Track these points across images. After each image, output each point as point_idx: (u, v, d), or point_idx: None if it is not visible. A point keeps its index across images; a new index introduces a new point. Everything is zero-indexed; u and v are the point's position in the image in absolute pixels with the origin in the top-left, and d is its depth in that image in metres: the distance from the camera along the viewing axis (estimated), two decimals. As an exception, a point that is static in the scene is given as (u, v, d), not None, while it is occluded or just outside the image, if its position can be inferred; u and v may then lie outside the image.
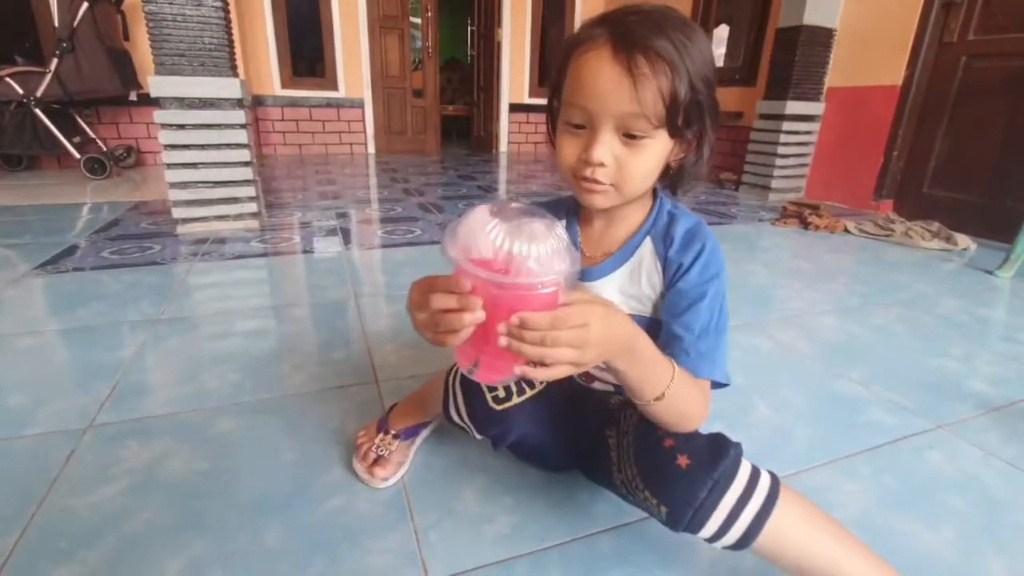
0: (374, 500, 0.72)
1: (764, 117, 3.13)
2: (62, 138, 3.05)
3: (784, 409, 0.99)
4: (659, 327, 0.62)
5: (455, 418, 0.70)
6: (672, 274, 0.60)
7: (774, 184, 3.14)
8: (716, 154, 3.85)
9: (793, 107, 3.00)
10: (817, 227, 2.42)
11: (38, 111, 2.97)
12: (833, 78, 3.06)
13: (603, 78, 0.49)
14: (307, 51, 4.68)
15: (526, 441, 0.68)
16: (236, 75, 2.06)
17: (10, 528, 0.66)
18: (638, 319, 0.63)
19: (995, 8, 2.41)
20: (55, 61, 2.92)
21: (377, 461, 0.75)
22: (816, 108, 3.08)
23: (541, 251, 0.40)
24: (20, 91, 2.91)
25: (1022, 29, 2.30)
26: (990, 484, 0.81)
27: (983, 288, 1.73)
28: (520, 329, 0.41)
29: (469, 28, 6.74)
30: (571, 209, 0.68)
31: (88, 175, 3.14)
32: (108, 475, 0.75)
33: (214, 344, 1.18)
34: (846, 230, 2.42)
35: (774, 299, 1.59)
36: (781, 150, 3.07)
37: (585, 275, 0.63)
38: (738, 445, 0.55)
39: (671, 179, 0.59)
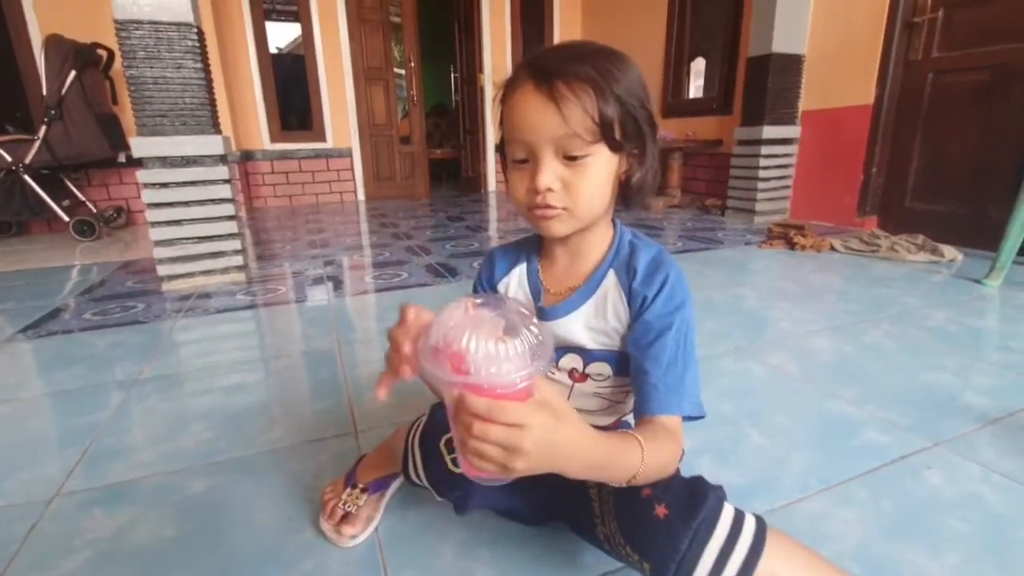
0: (347, 560, 0.69)
1: (742, 143, 3.19)
2: (51, 202, 3.08)
3: (777, 436, 0.96)
4: (627, 360, 0.60)
5: (414, 479, 0.67)
6: (639, 306, 0.58)
7: (758, 207, 3.17)
8: (700, 181, 3.92)
9: (770, 132, 3.06)
10: (803, 247, 2.43)
11: (27, 177, 3.01)
12: (807, 101, 3.13)
13: (530, 109, 0.52)
14: (295, 105, 4.79)
15: (494, 505, 0.66)
16: (218, 132, 2.09)
17: (-41, 614, 0.62)
18: (606, 354, 0.61)
19: (955, 26, 2.49)
20: (43, 128, 2.98)
21: (345, 518, 0.71)
22: (792, 131, 3.14)
23: (502, 350, 0.39)
24: (8, 159, 2.95)
25: (982, 44, 2.38)
26: (991, 501, 0.78)
27: (972, 298, 1.72)
28: (457, 410, 0.40)
29: (453, 75, 6.95)
30: (532, 249, 0.67)
31: (77, 237, 3.16)
32: (70, 547, 0.72)
33: (192, 401, 1.15)
34: (832, 248, 2.43)
35: (764, 321, 1.57)
36: (762, 173, 3.12)
37: (549, 313, 0.62)
38: (719, 489, 0.53)
39: (621, 194, 0.59)
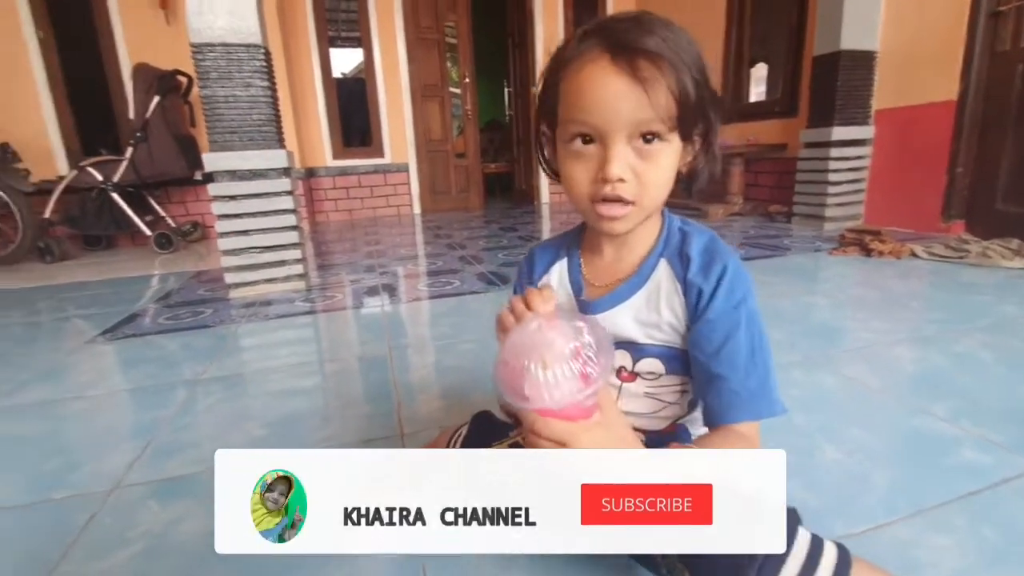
0: (381, 566, 0.66)
1: (810, 145, 3.02)
2: (135, 218, 3.33)
3: (856, 452, 0.87)
4: (687, 358, 0.55)
5: None
6: (695, 299, 0.53)
7: (828, 213, 2.98)
8: (763, 187, 3.74)
9: (840, 132, 2.88)
10: (880, 253, 2.25)
11: (115, 195, 3.27)
12: (881, 100, 2.92)
13: (609, 89, 0.46)
14: (355, 123, 4.99)
15: None
16: (283, 147, 2.19)
17: (22, 595, 0.64)
18: (659, 350, 0.56)
19: (1052, 11, 2.26)
20: (130, 149, 3.23)
21: None
22: (865, 132, 2.94)
23: (557, 374, 0.42)
24: (99, 178, 3.22)
25: (1088, 28, 2.14)
26: None
27: (1085, 307, 1.52)
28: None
29: (506, 89, 7.03)
30: (574, 243, 0.64)
31: (158, 250, 3.39)
32: (124, 538, 0.73)
33: (249, 401, 1.18)
34: (913, 254, 2.23)
35: (837, 331, 1.45)
36: (832, 177, 2.93)
37: (594, 306, 0.58)
38: (792, 512, 0.45)
39: (686, 180, 0.54)
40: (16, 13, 3.62)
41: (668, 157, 0.49)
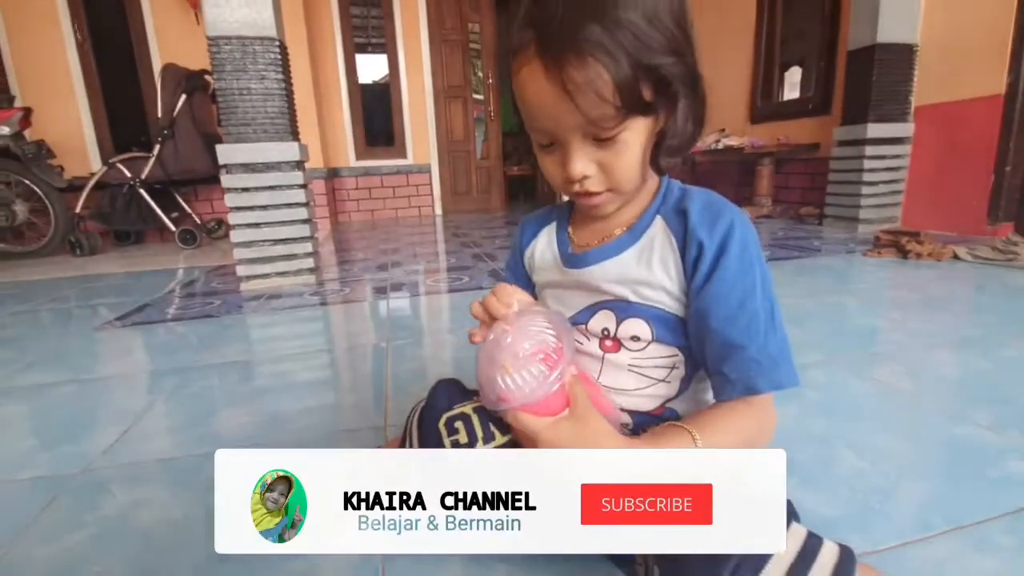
0: (342, 563, 0.60)
1: (843, 144, 2.87)
2: (161, 214, 3.39)
3: (882, 461, 0.77)
4: (680, 325, 0.50)
5: None
6: (695, 254, 0.48)
7: (863, 214, 2.82)
8: (794, 189, 3.58)
9: (875, 130, 2.73)
10: (918, 255, 2.10)
11: (142, 191, 3.34)
12: (921, 95, 2.77)
13: (546, 100, 0.43)
14: (378, 124, 5.01)
15: None
16: (296, 139, 2.18)
17: (-37, 577, 0.61)
18: (647, 310, 0.50)
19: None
20: (157, 147, 3.30)
21: None
22: (904, 129, 2.78)
23: (518, 379, 0.47)
24: (128, 174, 3.29)
25: None
26: None
27: None
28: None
29: (532, 92, 7.00)
30: (563, 208, 0.61)
31: (182, 245, 3.45)
32: (80, 522, 0.69)
33: (237, 388, 1.14)
34: (955, 256, 2.08)
35: (868, 331, 1.34)
36: (867, 177, 2.78)
37: (580, 259, 0.54)
38: (787, 504, 0.41)
39: (654, 152, 0.48)
40: (57, 17, 3.75)
41: (633, 140, 0.45)
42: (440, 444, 0.53)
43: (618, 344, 0.53)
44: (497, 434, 0.52)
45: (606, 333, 0.53)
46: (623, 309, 0.52)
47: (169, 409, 1.05)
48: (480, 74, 5.23)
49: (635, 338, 0.52)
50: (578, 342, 0.55)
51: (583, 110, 0.42)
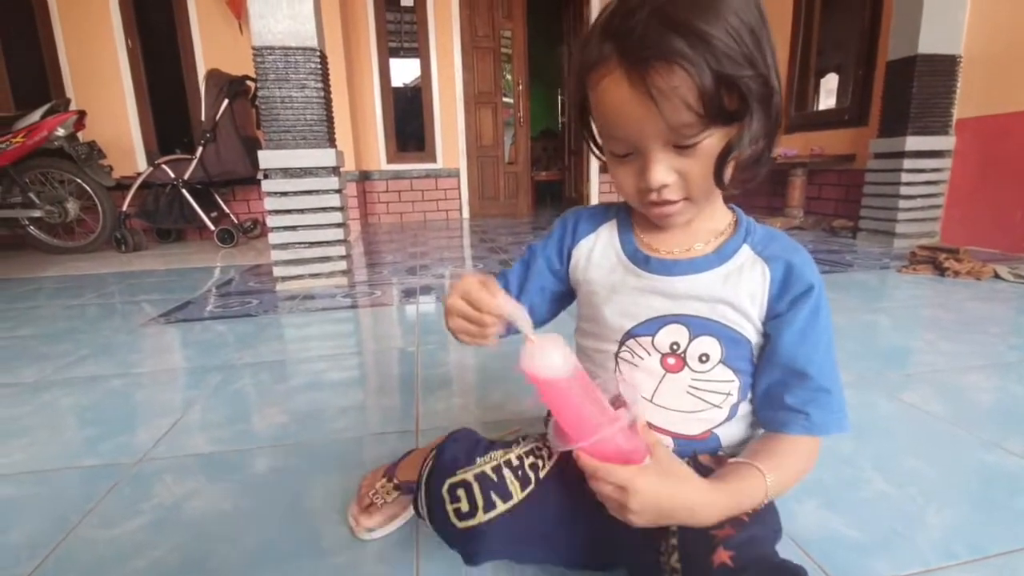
0: (382, 560, 0.64)
1: (880, 156, 2.82)
2: (201, 213, 3.52)
3: (909, 484, 0.77)
4: (748, 349, 0.53)
5: (422, 513, 0.57)
6: (773, 302, 0.52)
7: (899, 229, 2.76)
8: (828, 200, 3.52)
9: (914, 143, 2.67)
10: (956, 272, 2.05)
11: (184, 191, 3.48)
12: (964, 108, 2.70)
13: (628, 108, 0.44)
14: (409, 129, 5.10)
15: (516, 559, 0.58)
16: (333, 146, 2.25)
17: (35, 554, 0.66)
18: (720, 329, 0.52)
19: None
20: (200, 149, 3.43)
21: (368, 508, 0.67)
22: (945, 143, 2.72)
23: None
24: (171, 175, 3.44)
25: None
26: None
27: None
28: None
29: (560, 98, 7.03)
30: (623, 208, 0.60)
31: (220, 244, 3.57)
32: (137, 509, 0.75)
33: (275, 387, 1.20)
34: (996, 276, 2.03)
35: (900, 352, 1.32)
36: (904, 190, 2.72)
37: (660, 266, 0.54)
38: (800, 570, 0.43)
39: (720, 169, 0.47)
40: (110, 25, 3.94)
41: (711, 149, 0.46)
42: (444, 511, 0.52)
43: (682, 362, 0.53)
44: (499, 502, 0.51)
45: (675, 348, 0.53)
46: (699, 325, 0.52)
47: (213, 404, 1.11)
48: (509, 78, 5.28)
49: (704, 357, 0.52)
50: (639, 357, 0.55)
51: (666, 116, 0.42)
